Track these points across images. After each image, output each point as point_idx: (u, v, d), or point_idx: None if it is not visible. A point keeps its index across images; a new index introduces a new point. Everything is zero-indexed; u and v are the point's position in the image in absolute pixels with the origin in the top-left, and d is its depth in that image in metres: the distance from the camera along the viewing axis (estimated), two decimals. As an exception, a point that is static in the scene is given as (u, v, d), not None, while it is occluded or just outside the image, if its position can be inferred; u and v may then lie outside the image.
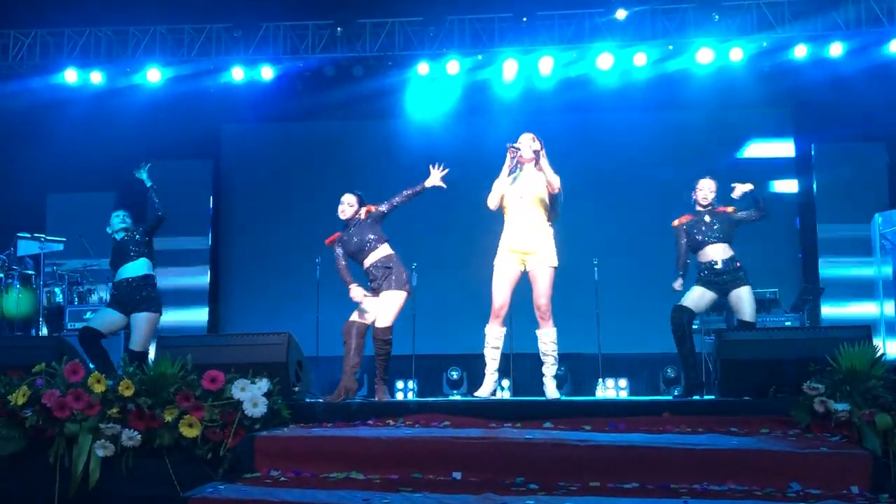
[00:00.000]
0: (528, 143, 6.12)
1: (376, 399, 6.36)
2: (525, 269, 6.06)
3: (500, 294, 6.02)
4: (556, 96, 11.65)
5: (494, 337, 6.08)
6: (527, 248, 6.01)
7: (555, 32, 11.24)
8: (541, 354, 6.08)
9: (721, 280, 6.58)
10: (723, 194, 6.86)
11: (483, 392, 6.04)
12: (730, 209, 6.79)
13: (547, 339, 6.03)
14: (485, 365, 6.17)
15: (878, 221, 10.66)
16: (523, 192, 6.05)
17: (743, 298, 6.55)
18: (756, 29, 11.00)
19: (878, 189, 11.37)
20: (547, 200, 6.10)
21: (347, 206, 6.70)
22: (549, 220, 6.13)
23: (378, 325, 6.42)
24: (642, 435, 4.37)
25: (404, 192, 6.64)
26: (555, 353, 6.06)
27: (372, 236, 6.55)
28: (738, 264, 6.63)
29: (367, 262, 6.53)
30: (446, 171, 6.55)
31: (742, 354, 5.19)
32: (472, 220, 11.30)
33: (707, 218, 6.73)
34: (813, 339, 5.17)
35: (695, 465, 3.90)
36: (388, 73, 11.78)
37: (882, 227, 10.55)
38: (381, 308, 6.39)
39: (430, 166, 6.57)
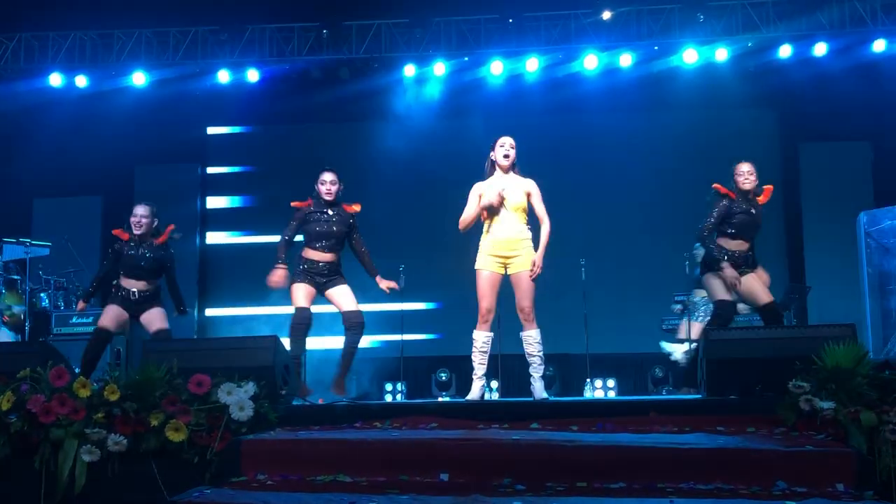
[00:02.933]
0: (509, 147, 6.11)
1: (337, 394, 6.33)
2: (506, 273, 6.05)
3: (487, 299, 6.01)
4: (542, 97, 11.67)
5: (482, 342, 6.07)
6: (508, 253, 5.99)
7: (541, 34, 11.26)
8: (527, 356, 6.07)
9: (739, 271, 6.43)
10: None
11: (472, 396, 6.03)
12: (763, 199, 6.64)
13: (532, 341, 6.01)
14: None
15: (863, 220, 10.71)
16: (504, 197, 6.02)
17: (753, 283, 6.45)
18: (741, 29, 11.04)
19: (864, 188, 11.44)
20: (526, 205, 6.08)
21: (331, 185, 6.67)
22: (528, 224, 6.12)
23: (351, 308, 6.46)
24: (629, 435, 4.38)
25: (365, 260, 6.75)
26: (540, 354, 6.04)
27: (344, 231, 6.54)
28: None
29: (328, 256, 6.52)
30: (396, 287, 6.75)
31: (728, 353, 5.20)
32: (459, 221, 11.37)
33: (753, 211, 6.55)
34: (799, 338, 5.18)
35: (681, 465, 3.91)
36: (375, 75, 11.78)
37: (867, 225, 10.60)
38: (345, 295, 6.48)
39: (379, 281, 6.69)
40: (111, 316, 6.80)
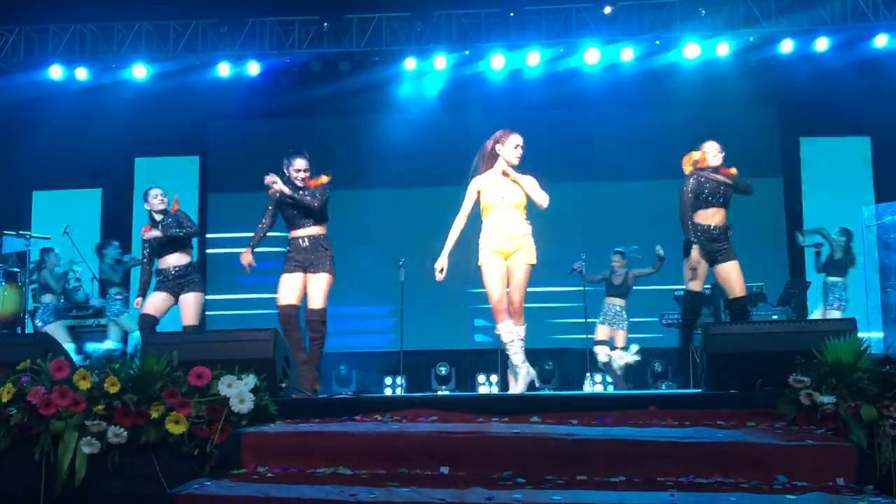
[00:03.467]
0: (522, 148, 6.03)
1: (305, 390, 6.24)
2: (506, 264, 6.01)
3: (496, 289, 5.88)
4: (543, 91, 11.66)
5: (506, 332, 5.89)
6: (509, 249, 5.94)
7: (542, 27, 11.25)
8: (509, 353, 5.95)
9: (713, 248, 6.55)
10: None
11: (516, 389, 5.87)
12: (733, 170, 6.74)
13: (516, 337, 5.88)
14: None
15: (863, 215, 10.72)
16: (505, 193, 5.99)
17: (731, 273, 6.55)
18: (742, 24, 11.03)
19: (864, 183, 11.43)
20: (526, 201, 6.03)
21: (304, 172, 6.62)
22: (527, 219, 6.07)
23: (314, 306, 6.39)
24: (629, 429, 4.37)
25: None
26: (522, 350, 5.90)
27: (318, 206, 6.48)
28: (730, 233, 6.64)
29: (305, 232, 6.49)
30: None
31: (728, 348, 5.19)
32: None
33: (720, 178, 6.67)
34: (799, 333, 5.17)
35: (682, 459, 3.90)
36: (375, 68, 11.78)
37: (867, 220, 10.62)
38: (315, 289, 6.39)
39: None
40: (152, 301, 7.13)
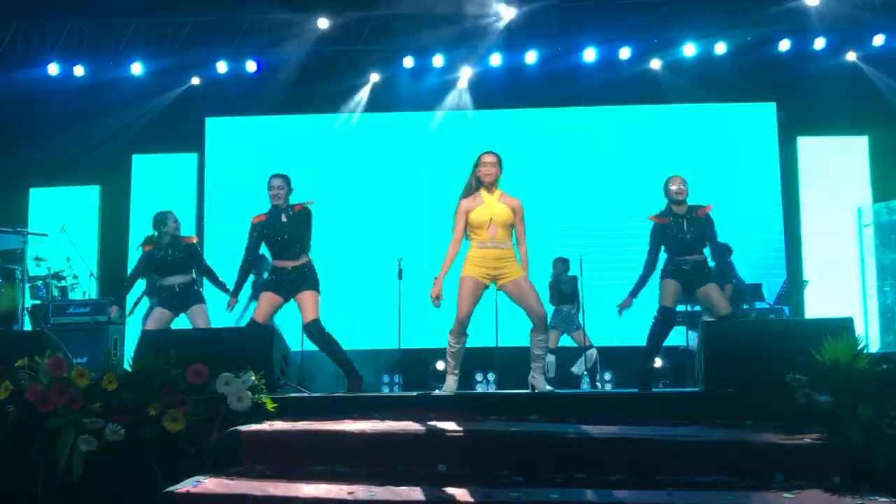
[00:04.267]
0: (490, 165, 6.12)
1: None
2: (494, 285, 6.09)
3: (467, 305, 6.03)
4: (540, 90, 11.66)
5: (457, 346, 6.12)
6: (496, 266, 6.03)
7: (540, 26, 11.24)
8: (534, 356, 6.13)
9: (687, 278, 6.66)
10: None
11: (448, 390, 6.06)
12: (707, 207, 6.83)
13: (542, 345, 6.12)
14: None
15: (860, 214, 10.73)
16: (493, 214, 6.05)
17: (711, 295, 6.65)
18: (740, 23, 11.03)
19: (861, 182, 11.45)
20: (512, 223, 6.09)
21: (278, 189, 6.65)
22: (513, 241, 6.14)
23: (309, 318, 6.48)
24: (627, 427, 4.39)
25: None
26: (546, 354, 6.22)
27: (306, 236, 6.58)
28: (706, 264, 6.76)
29: (292, 263, 6.55)
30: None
31: (726, 347, 5.21)
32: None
33: (685, 225, 6.76)
34: (796, 332, 5.20)
35: (679, 457, 3.92)
36: (374, 66, 11.77)
37: (864, 220, 10.63)
38: (306, 305, 6.48)
39: None
40: (156, 319, 7.48)
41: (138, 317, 9.03)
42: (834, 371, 4.34)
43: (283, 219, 6.59)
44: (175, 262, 7.48)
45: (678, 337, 9.34)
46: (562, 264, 9.82)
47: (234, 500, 3.71)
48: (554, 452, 4.00)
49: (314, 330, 6.47)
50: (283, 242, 6.57)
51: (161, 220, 7.54)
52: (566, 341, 10.04)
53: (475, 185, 6.16)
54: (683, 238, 6.72)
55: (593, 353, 9.85)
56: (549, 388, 6.07)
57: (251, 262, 6.84)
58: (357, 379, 6.44)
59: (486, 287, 6.11)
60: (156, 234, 7.54)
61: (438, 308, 6.12)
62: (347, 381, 6.48)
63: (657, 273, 6.87)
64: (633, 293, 6.88)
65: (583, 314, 9.79)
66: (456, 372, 6.11)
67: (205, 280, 7.76)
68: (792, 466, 3.79)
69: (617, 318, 8.84)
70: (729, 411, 4.61)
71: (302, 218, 6.61)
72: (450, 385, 6.08)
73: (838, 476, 3.75)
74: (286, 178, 6.72)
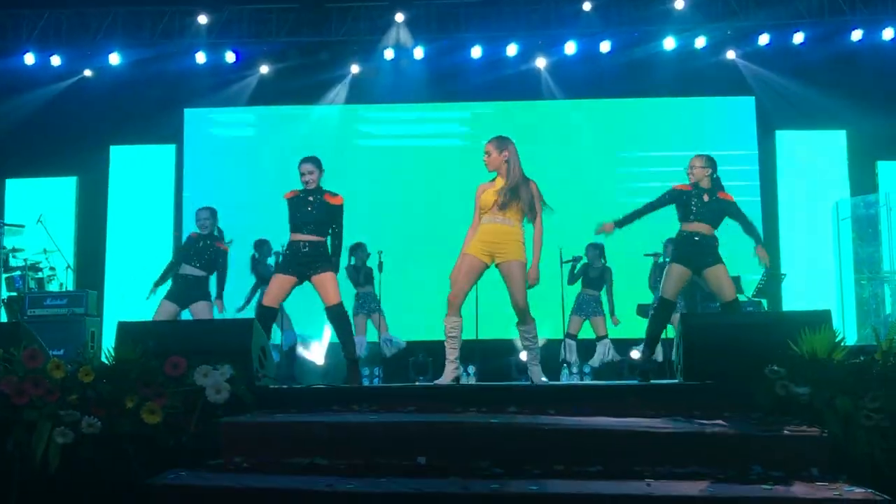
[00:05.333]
0: (485, 153, 6.11)
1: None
2: (493, 264, 6.03)
3: (459, 284, 5.98)
4: (521, 83, 11.66)
5: (451, 327, 6.04)
6: (497, 240, 5.98)
7: (521, 19, 11.24)
8: (525, 348, 6.15)
9: (698, 251, 6.55)
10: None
11: (444, 380, 5.98)
12: (730, 198, 6.75)
13: (529, 336, 6.07)
14: (444, 352, 6.15)
15: (838, 208, 10.81)
16: (498, 194, 6.03)
17: (721, 277, 6.53)
18: (720, 17, 11.07)
19: (839, 176, 11.53)
20: (521, 207, 6.04)
21: (308, 174, 6.62)
22: (521, 225, 6.11)
23: (334, 301, 6.47)
24: (606, 419, 4.39)
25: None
26: (537, 345, 6.12)
27: (327, 219, 6.54)
28: (717, 243, 6.65)
29: (309, 238, 6.52)
30: None
31: (705, 339, 5.22)
32: (438, 205, 11.37)
33: (705, 197, 6.66)
34: (774, 324, 5.22)
35: (658, 449, 3.93)
36: (354, 57, 11.73)
37: (842, 213, 10.71)
38: (329, 287, 6.49)
39: None
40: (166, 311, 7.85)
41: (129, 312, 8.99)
42: (812, 363, 4.37)
43: (311, 198, 6.56)
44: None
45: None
46: (594, 250, 9.90)
47: (212, 492, 3.69)
48: (533, 444, 4.00)
49: (340, 313, 6.48)
50: (304, 215, 6.52)
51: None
52: (545, 333, 10.08)
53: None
54: (700, 201, 6.61)
55: (607, 343, 9.93)
56: (544, 379, 6.05)
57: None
58: (358, 371, 6.46)
59: (486, 267, 6.01)
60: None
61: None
62: (350, 371, 6.48)
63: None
64: (618, 223, 6.74)
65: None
66: (453, 360, 5.99)
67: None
68: (770, 458, 3.81)
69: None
70: (707, 403, 4.63)
71: (332, 207, 6.59)
72: (448, 374, 5.98)
73: (816, 467, 3.77)
74: (316, 161, 6.66)
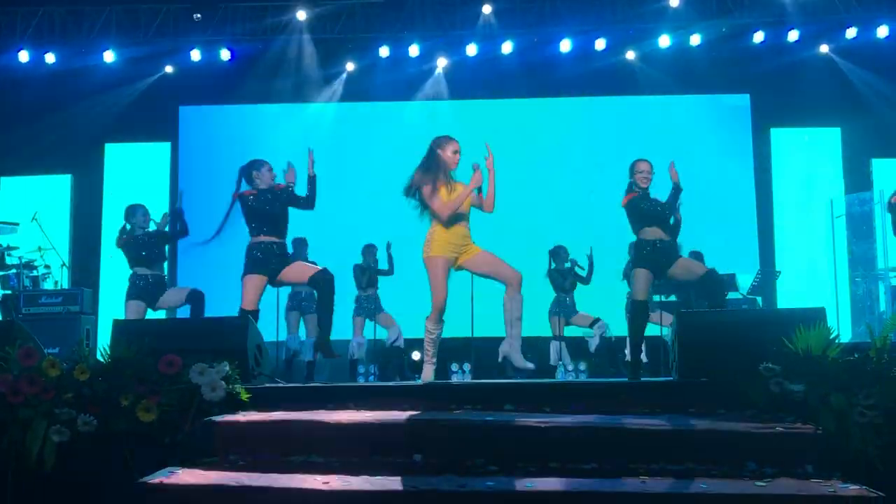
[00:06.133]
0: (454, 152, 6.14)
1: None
2: (457, 264, 6.07)
3: (443, 288, 6.02)
4: (516, 80, 11.66)
5: (437, 333, 6.11)
6: (462, 243, 6.05)
7: (516, 17, 11.23)
8: (510, 322, 6.07)
9: (659, 258, 6.65)
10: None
11: (426, 379, 6.04)
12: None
13: (519, 304, 6.05)
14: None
15: (832, 206, 10.82)
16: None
17: (688, 262, 6.75)
18: (715, 14, 11.08)
19: (834, 174, 11.55)
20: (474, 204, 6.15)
21: (267, 171, 6.70)
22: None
23: (317, 269, 6.56)
24: (601, 416, 4.40)
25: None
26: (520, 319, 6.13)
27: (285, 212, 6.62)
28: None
29: (277, 239, 6.60)
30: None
31: (700, 336, 5.23)
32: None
33: (652, 197, 6.79)
34: (769, 322, 5.23)
35: (653, 446, 3.93)
36: (349, 55, 11.72)
37: (836, 211, 10.73)
38: (305, 265, 6.76)
39: None
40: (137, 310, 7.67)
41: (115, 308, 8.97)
42: (806, 360, 4.38)
43: (269, 195, 6.61)
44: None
45: (652, 327, 9.43)
46: (565, 253, 9.93)
47: (207, 490, 3.69)
48: (528, 441, 4.01)
49: (327, 277, 6.48)
50: (270, 215, 6.57)
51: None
52: (540, 330, 10.10)
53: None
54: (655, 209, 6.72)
55: (602, 324, 9.98)
56: (530, 365, 6.07)
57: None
58: (330, 349, 6.48)
59: (452, 265, 6.07)
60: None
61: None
62: (324, 349, 6.52)
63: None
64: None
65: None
66: (433, 361, 6.07)
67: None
68: (764, 455, 3.82)
69: (590, 309, 8.85)
70: (702, 400, 4.64)
71: (286, 196, 6.63)
72: (427, 374, 6.04)
73: (810, 464, 3.78)
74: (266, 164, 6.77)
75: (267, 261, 6.56)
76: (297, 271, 6.64)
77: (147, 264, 7.79)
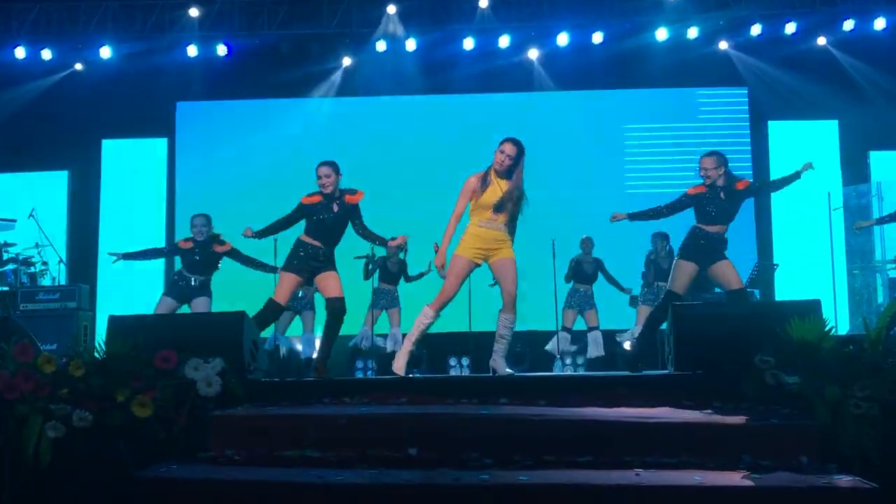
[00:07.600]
0: (506, 156, 6.13)
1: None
2: (486, 263, 6.14)
3: (454, 286, 6.10)
4: (513, 73, 11.65)
5: (431, 320, 6.18)
6: (492, 246, 6.10)
7: (513, 10, 11.22)
8: (498, 336, 6.21)
9: (709, 249, 6.60)
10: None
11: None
12: (746, 183, 6.78)
13: (508, 324, 6.16)
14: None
15: (830, 198, 10.82)
16: (502, 198, 6.08)
17: (727, 270, 6.62)
18: (713, 7, 11.07)
19: (831, 167, 11.55)
20: (513, 212, 6.17)
21: (325, 177, 6.61)
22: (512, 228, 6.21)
23: (337, 294, 6.51)
24: (596, 410, 4.40)
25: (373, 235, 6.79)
26: (510, 337, 6.23)
27: (344, 227, 6.62)
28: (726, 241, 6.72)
29: (329, 246, 6.60)
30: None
31: (696, 329, 5.23)
32: (437, 195, 11.31)
33: (722, 195, 6.65)
34: (765, 313, 5.22)
35: (648, 439, 3.94)
36: (346, 50, 11.71)
37: (834, 203, 10.72)
38: (336, 282, 6.56)
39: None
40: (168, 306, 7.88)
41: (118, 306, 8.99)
42: (801, 352, 4.37)
43: (335, 208, 6.59)
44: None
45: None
46: (588, 244, 9.94)
47: (203, 485, 3.69)
48: (523, 435, 4.01)
49: (341, 306, 6.52)
50: (328, 229, 6.58)
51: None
52: (537, 324, 10.11)
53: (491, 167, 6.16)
54: (718, 202, 6.63)
55: (598, 335, 10.01)
56: (508, 371, 6.11)
57: (277, 230, 6.83)
58: (325, 370, 6.50)
59: (478, 266, 6.15)
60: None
61: (443, 278, 6.11)
62: (318, 369, 6.51)
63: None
64: (632, 216, 6.88)
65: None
66: (411, 349, 6.17)
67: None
68: (760, 447, 3.82)
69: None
70: (698, 393, 4.64)
71: (352, 209, 6.64)
72: (399, 364, 6.16)
73: (805, 456, 3.78)
74: (333, 165, 6.66)
75: (306, 263, 6.58)
76: (330, 284, 6.58)
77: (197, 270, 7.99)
